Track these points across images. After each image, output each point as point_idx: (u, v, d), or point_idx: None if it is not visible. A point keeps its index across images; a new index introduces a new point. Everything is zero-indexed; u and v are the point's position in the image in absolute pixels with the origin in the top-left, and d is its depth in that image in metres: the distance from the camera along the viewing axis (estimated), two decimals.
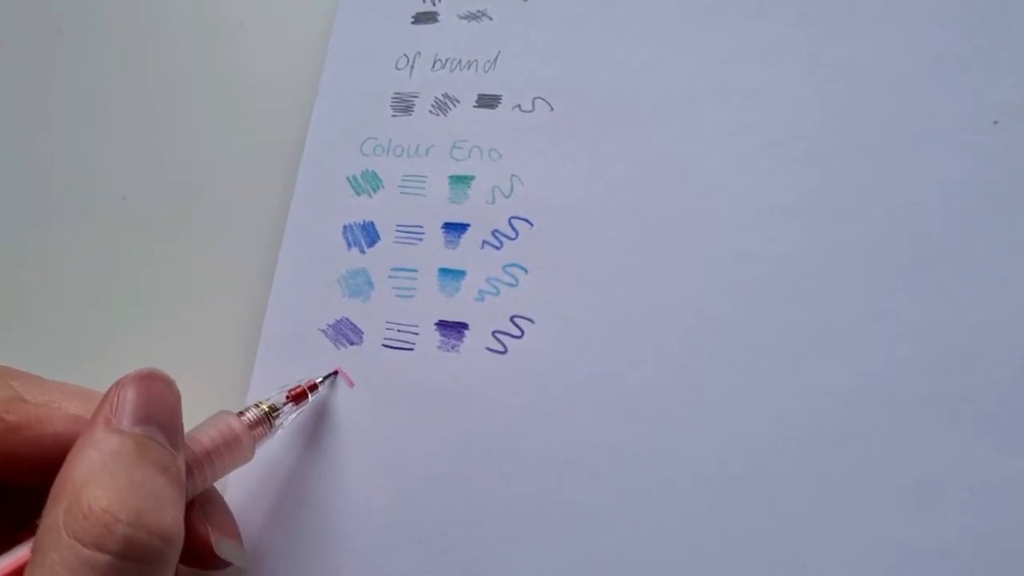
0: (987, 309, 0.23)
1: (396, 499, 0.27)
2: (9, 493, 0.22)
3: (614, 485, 0.25)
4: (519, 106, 0.30)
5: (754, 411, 0.24)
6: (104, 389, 0.22)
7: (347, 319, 0.29)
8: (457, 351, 0.28)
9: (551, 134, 0.29)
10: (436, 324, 0.28)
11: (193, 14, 0.37)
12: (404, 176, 0.30)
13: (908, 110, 0.25)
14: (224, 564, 0.24)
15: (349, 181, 0.31)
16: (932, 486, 0.22)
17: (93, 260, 0.35)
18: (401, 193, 0.30)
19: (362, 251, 0.30)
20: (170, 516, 0.19)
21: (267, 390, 0.27)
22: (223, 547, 0.24)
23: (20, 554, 0.19)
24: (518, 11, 0.31)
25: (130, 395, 0.21)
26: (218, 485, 0.25)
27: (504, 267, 0.28)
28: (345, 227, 0.30)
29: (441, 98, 0.31)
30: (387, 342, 0.28)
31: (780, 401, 0.24)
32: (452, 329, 0.28)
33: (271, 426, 0.26)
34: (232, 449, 0.24)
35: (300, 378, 0.27)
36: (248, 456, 0.25)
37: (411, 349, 0.28)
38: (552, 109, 0.29)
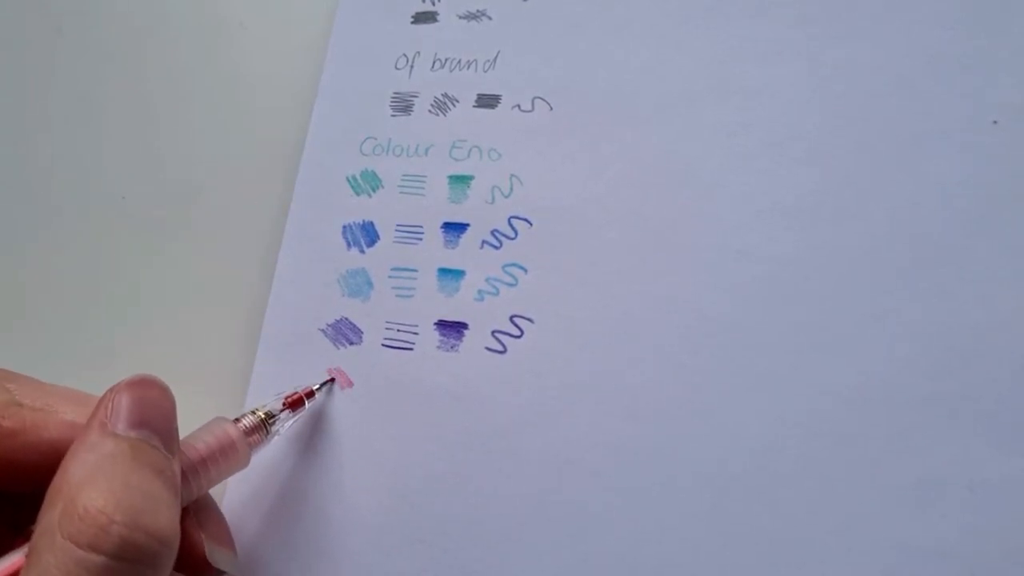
0: (987, 309, 0.23)
1: (396, 499, 0.27)
2: (3, 498, 0.22)
3: (614, 484, 0.25)
4: (519, 106, 0.30)
5: (754, 411, 0.24)
6: (103, 391, 0.22)
7: (347, 319, 0.29)
8: (457, 351, 0.28)
9: (551, 134, 0.29)
10: (436, 324, 0.28)
11: (193, 14, 0.37)
12: (404, 176, 0.30)
13: (908, 110, 0.25)
14: (217, 573, 0.24)
15: (349, 181, 0.31)
16: (932, 485, 0.22)
17: (93, 260, 0.35)
18: (401, 193, 0.30)
19: (362, 251, 0.30)
20: (166, 518, 0.19)
21: (267, 390, 0.27)
22: (216, 555, 0.24)
23: (14, 559, 0.19)
24: (518, 11, 0.31)
25: (125, 400, 0.21)
26: (215, 492, 0.25)
27: (504, 267, 0.28)
28: (345, 227, 0.30)
29: (441, 98, 0.31)
30: (387, 342, 0.28)
31: (780, 401, 0.24)
32: (452, 329, 0.28)
33: (267, 433, 0.26)
34: (228, 455, 0.24)
35: (297, 385, 0.27)
36: (244, 463, 0.25)
37: (411, 349, 0.28)
38: (552, 109, 0.29)
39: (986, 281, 0.23)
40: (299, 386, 0.27)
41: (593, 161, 0.28)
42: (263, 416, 0.26)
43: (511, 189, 0.29)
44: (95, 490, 0.19)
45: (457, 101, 0.30)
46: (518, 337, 0.27)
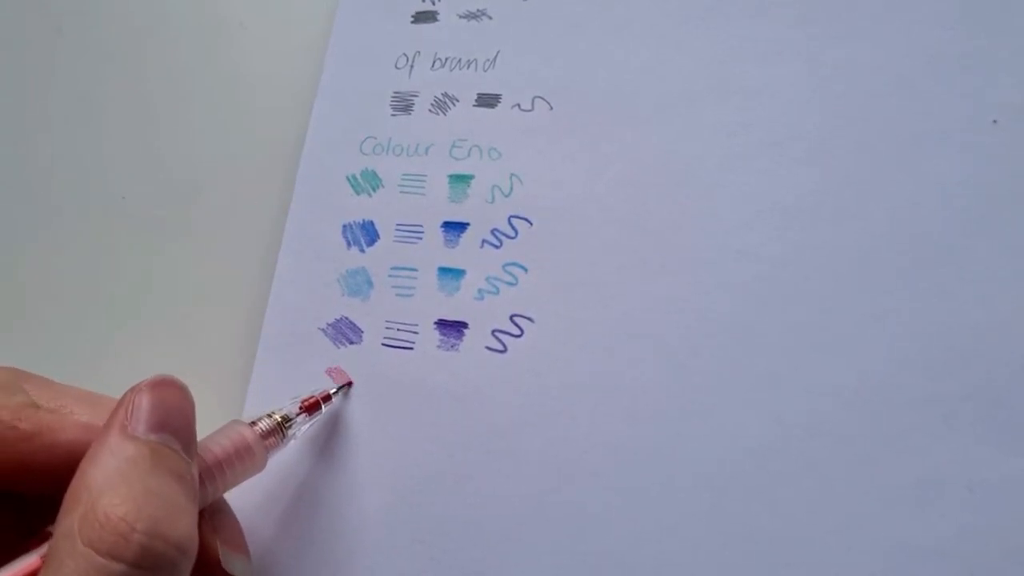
0: (987, 309, 0.23)
1: (396, 499, 0.27)
2: (17, 500, 0.22)
3: (614, 485, 0.25)
4: (519, 105, 0.30)
5: (754, 411, 0.24)
6: (105, 389, 0.21)
7: (347, 318, 0.29)
8: (457, 350, 0.28)
9: (551, 133, 0.29)
10: (436, 323, 0.28)
11: (193, 14, 0.37)
12: (404, 175, 0.30)
13: (908, 110, 0.25)
14: None
15: (349, 180, 0.31)
16: (931, 485, 0.22)
17: (93, 260, 0.35)
18: (401, 192, 0.30)
19: (362, 250, 0.30)
20: (185, 525, 0.19)
21: (267, 389, 0.27)
22: (230, 561, 0.24)
23: (29, 561, 0.19)
24: (518, 10, 0.31)
25: (145, 401, 0.20)
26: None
27: (504, 266, 0.28)
28: (345, 226, 0.30)
29: (441, 97, 0.31)
30: (387, 341, 0.28)
31: (780, 401, 0.24)
32: (452, 328, 0.28)
33: (283, 436, 0.25)
34: (244, 459, 0.24)
35: (314, 388, 0.27)
36: (260, 466, 0.24)
37: (411, 348, 0.28)
38: (552, 108, 0.29)
39: (986, 281, 0.23)
40: (316, 389, 0.27)
41: (593, 161, 0.28)
42: (280, 420, 0.25)
43: (511, 188, 0.29)
44: (116, 496, 0.18)
45: (457, 100, 0.30)
46: (518, 336, 0.27)
